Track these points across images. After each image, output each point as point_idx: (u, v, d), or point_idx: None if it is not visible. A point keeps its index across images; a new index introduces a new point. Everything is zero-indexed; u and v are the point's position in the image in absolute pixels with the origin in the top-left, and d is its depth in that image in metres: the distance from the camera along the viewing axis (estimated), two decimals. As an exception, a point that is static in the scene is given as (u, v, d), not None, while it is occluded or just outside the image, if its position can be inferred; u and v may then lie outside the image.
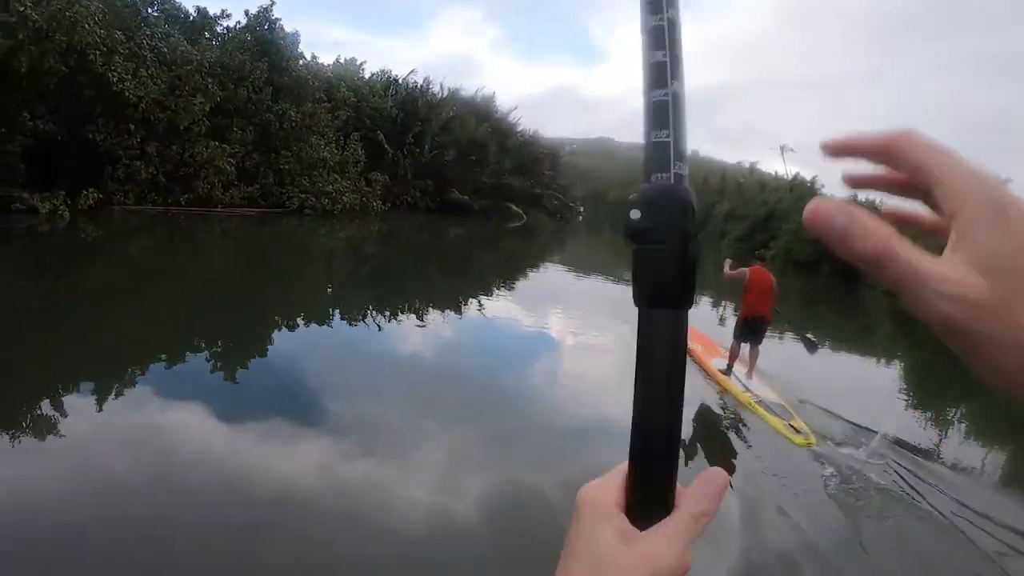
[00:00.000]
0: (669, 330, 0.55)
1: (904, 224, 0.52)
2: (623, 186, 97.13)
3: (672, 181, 0.53)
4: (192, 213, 22.66)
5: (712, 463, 7.47)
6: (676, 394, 0.57)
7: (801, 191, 56.87)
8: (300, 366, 9.28)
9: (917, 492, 6.78)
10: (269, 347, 10.03)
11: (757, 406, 8.96)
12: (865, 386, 12.61)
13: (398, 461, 6.35)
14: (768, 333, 10.56)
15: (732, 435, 8.38)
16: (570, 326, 14.02)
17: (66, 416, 6.18)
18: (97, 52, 18.23)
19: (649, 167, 0.54)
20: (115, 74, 18.82)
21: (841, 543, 5.64)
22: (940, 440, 9.92)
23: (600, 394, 9.85)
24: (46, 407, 6.41)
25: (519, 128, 55.04)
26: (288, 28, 29.86)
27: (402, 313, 13.80)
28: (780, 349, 13.49)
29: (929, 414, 12.21)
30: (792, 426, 8.24)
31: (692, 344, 11.73)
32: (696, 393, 9.82)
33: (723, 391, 9.90)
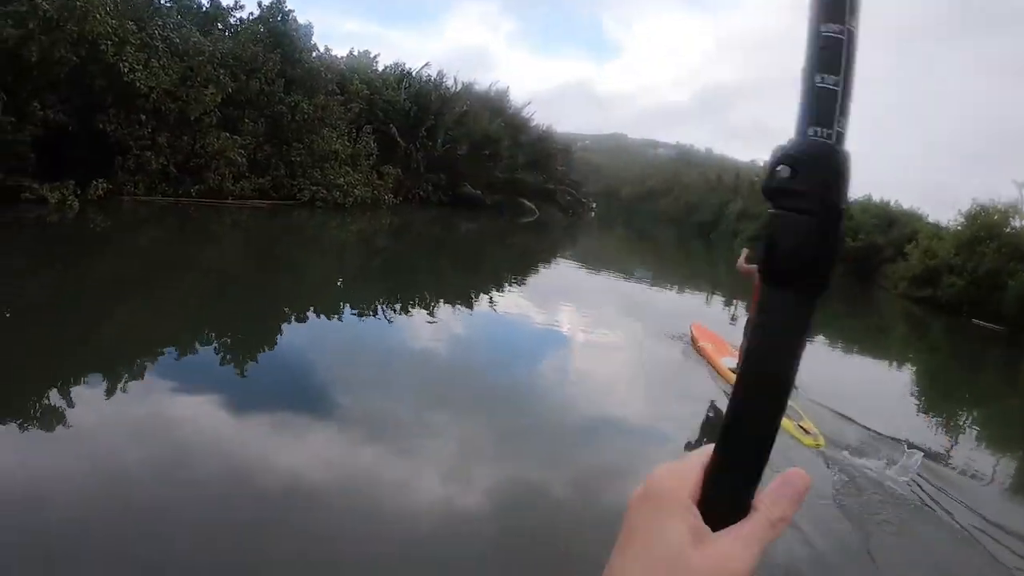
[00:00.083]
0: (794, 317, 0.47)
1: None
2: (636, 183, 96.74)
3: (833, 140, 0.46)
4: (203, 204, 22.65)
5: None
6: (784, 390, 0.50)
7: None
8: (309, 359, 9.26)
9: (932, 500, 6.63)
10: (278, 339, 10.01)
11: None
12: (875, 388, 12.47)
13: (404, 457, 6.32)
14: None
15: None
16: (581, 323, 13.96)
17: (72, 408, 6.16)
18: (108, 42, 18.19)
19: (807, 117, 0.46)
20: (126, 64, 18.78)
21: (848, 550, 5.53)
22: (952, 446, 9.78)
23: (609, 393, 9.86)
24: (52, 398, 6.38)
25: (533, 123, 54.85)
26: (301, 20, 29.79)
27: (413, 307, 13.79)
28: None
29: (942, 419, 12.09)
30: (801, 427, 8.17)
31: (703, 342, 11.74)
32: (707, 392, 9.87)
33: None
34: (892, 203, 41.06)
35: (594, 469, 6.75)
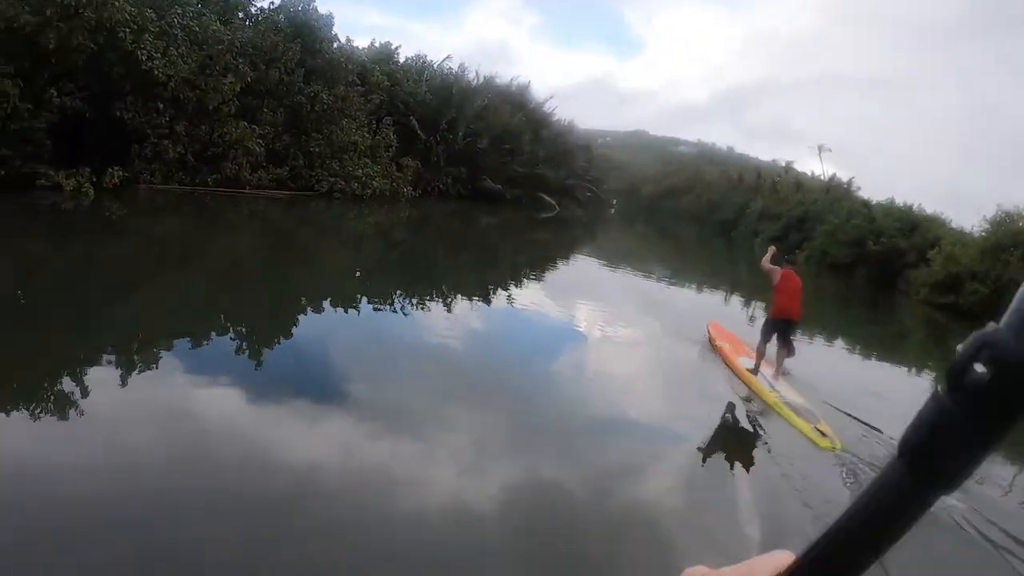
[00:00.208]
0: (910, 503, 0.42)
1: None
2: (657, 180, 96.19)
3: None
4: (219, 194, 22.60)
5: (735, 461, 7.29)
6: (875, 555, 0.44)
7: (838, 192, 55.95)
8: (324, 351, 9.24)
9: (949, 511, 6.36)
10: (294, 330, 10.01)
11: (783, 407, 8.78)
12: (891, 392, 12.22)
13: (418, 449, 6.37)
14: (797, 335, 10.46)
15: (756, 434, 8.25)
16: (598, 320, 13.83)
17: (85, 393, 6.22)
18: (127, 30, 18.15)
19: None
20: (145, 52, 18.73)
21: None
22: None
23: (624, 390, 9.82)
24: (66, 384, 6.47)
25: (554, 118, 54.59)
26: (322, 10, 29.72)
27: (430, 301, 13.77)
28: (809, 352, 13.22)
29: None
30: (818, 429, 8.06)
31: (720, 342, 11.67)
32: (722, 392, 9.84)
33: (750, 390, 9.73)
34: (915, 207, 40.38)
35: (606, 467, 6.71)
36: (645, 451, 7.48)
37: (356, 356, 9.20)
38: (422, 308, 12.89)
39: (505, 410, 7.87)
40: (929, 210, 39.95)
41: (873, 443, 8.27)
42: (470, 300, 14.26)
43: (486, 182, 40.83)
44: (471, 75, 43.42)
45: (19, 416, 5.69)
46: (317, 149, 27.51)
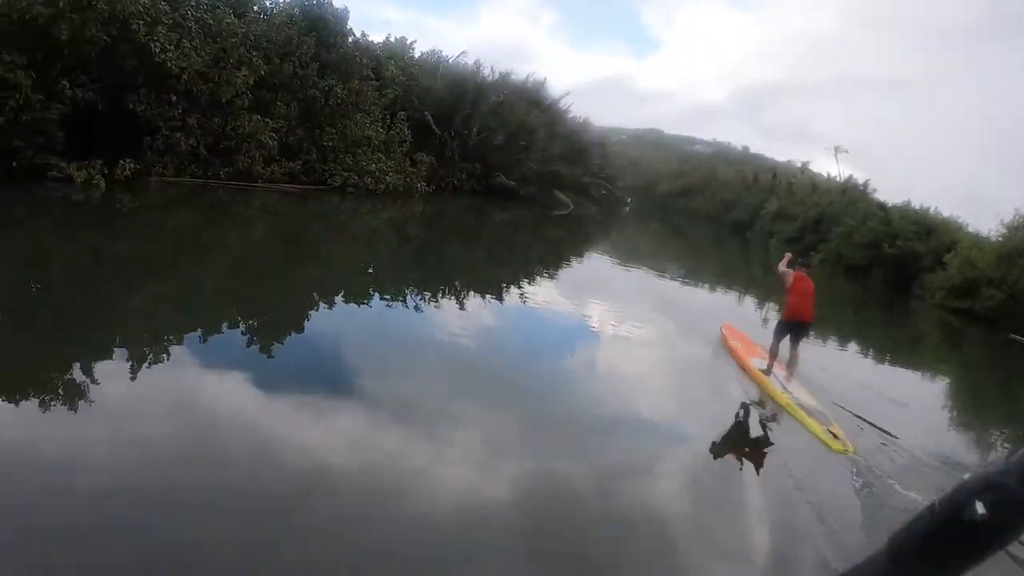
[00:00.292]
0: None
1: None
2: (672, 179, 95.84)
3: None
4: (232, 187, 22.53)
5: (746, 463, 7.22)
6: None
7: (854, 194, 55.65)
8: (336, 345, 9.22)
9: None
10: (306, 324, 9.99)
11: (796, 409, 8.72)
12: (905, 397, 12.12)
13: (428, 445, 6.36)
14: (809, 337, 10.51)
15: (768, 436, 8.22)
16: (611, 318, 13.79)
17: (96, 385, 6.24)
18: (140, 22, 18.06)
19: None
20: (158, 44, 18.62)
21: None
22: (981, 463, 9.42)
23: (636, 389, 9.79)
24: (76, 375, 6.47)
25: (569, 115, 54.36)
26: (337, 4, 29.57)
27: (443, 297, 13.77)
28: (822, 355, 13.18)
29: (973, 434, 11.83)
30: (831, 431, 7.98)
31: (732, 342, 11.65)
32: (735, 393, 9.86)
33: (762, 391, 9.69)
34: (932, 209, 40.00)
35: (616, 466, 6.68)
36: (655, 451, 7.42)
37: (366, 352, 9.16)
38: (434, 304, 12.83)
39: (515, 408, 7.81)
40: (947, 213, 39.67)
41: (886, 448, 8.19)
42: (482, 297, 14.21)
43: (500, 178, 40.66)
44: (487, 71, 43.24)
45: (23, 409, 5.64)
46: (331, 143, 27.40)
